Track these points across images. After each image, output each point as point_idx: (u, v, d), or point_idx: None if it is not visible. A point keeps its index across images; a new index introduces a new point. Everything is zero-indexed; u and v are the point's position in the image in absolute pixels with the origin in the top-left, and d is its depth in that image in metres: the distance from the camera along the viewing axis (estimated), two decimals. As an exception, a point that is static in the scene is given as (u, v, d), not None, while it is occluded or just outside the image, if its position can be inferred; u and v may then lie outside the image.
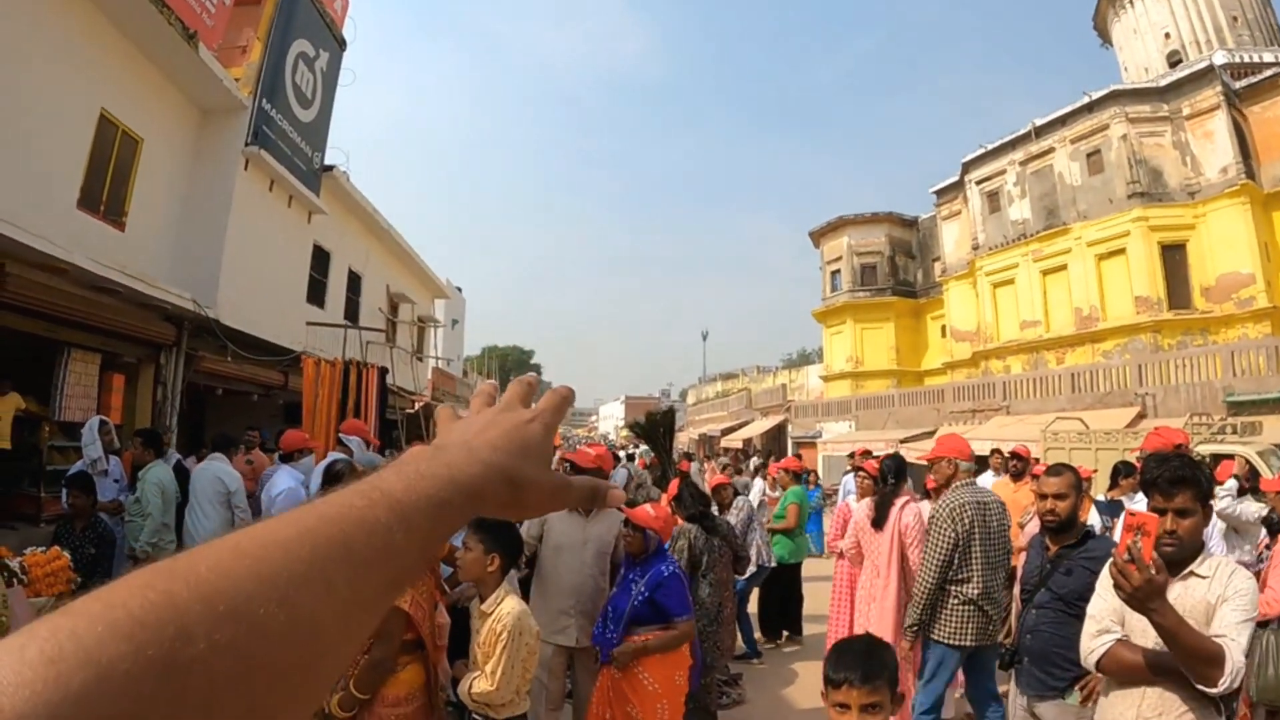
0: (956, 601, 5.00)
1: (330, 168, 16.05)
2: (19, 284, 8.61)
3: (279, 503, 6.53)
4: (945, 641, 5.00)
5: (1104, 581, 3.17)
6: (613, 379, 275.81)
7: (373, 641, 3.45)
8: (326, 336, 14.17)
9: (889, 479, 6.55)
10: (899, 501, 6.30)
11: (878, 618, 6.04)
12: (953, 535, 5.03)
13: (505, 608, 3.59)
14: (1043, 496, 4.23)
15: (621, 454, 19.55)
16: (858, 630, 6.31)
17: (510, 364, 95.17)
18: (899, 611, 5.90)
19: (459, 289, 48.20)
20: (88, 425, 7.70)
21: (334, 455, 6.46)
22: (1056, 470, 4.37)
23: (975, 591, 4.97)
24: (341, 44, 16.14)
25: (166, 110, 12.09)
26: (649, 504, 5.00)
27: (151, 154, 11.70)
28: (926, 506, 7.15)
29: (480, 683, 3.56)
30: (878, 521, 6.28)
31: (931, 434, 23.98)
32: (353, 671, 3.46)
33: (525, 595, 5.12)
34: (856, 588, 6.63)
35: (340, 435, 7.83)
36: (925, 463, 6.47)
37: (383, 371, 11.71)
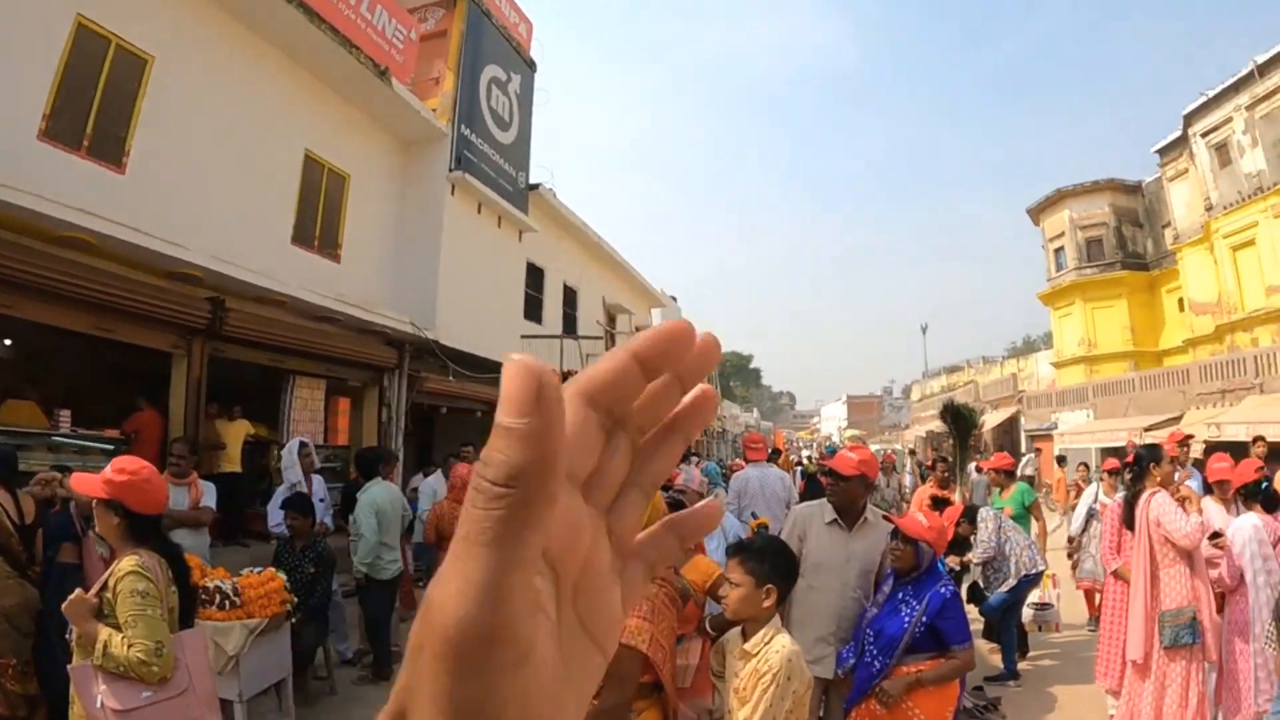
0: None
1: (536, 186, 15.99)
2: (240, 318, 8.90)
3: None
4: None
5: None
6: (832, 379, 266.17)
7: (604, 686, 2.95)
8: (544, 352, 14.06)
9: (1133, 470, 5.57)
10: (1146, 494, 5.29)
11: (1126, 630, 5.29)
12: None
13: (775, 646, 2.93)
14: None
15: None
16: (1114, 646, 5.70)
17: (729, 370, 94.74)
18: (1148, 623, 5.08)
19: (673, 298, 48.36)
20: (287, 448, 7.63)
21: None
22: None
23: None
24: (531, 65, 16.05)
25: (369, 145, 12.32)
26: (920, 512, 4.32)
27: (359, 187, 11.95)
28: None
29: None
30: (1127, 520, 5.43)
31: (1178, 419, 21.58)
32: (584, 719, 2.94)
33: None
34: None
35: None
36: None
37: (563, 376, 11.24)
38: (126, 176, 8.26)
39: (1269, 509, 5.50)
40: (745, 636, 3.00)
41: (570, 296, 18.82)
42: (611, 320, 21.71)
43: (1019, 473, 17.46)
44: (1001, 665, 7.27)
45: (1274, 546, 5.17)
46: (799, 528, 4.48)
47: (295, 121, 10.72)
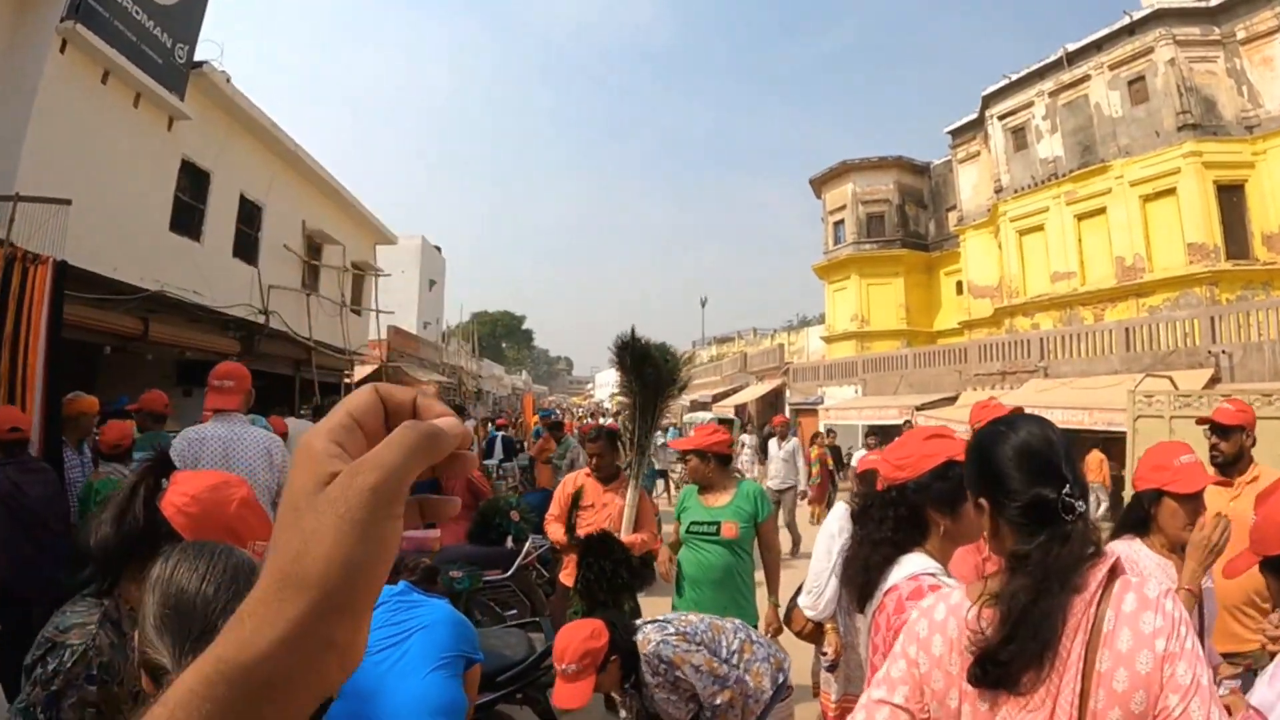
0: None
1: (200, 65, 13.32)
2: None
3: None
4: None
5: None
6: (610, 347, 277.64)
7: None
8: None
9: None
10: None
11: None
12: None
13: None
14: None
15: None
16: None
17: (501, 330, 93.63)
18: None
19: (438, 248, 46.87)
20: None
21: None
22: None
23: None
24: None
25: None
26: None
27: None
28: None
29: None
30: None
31: (953, 399, 21.73)
32: None
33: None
34: None
35: None
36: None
37: (60, 269, 6.82)
38: None
39: None
40: None
41: (251, 212, 16.18)
42: (316, 250, 19.35)
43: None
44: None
45: None
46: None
47: None
